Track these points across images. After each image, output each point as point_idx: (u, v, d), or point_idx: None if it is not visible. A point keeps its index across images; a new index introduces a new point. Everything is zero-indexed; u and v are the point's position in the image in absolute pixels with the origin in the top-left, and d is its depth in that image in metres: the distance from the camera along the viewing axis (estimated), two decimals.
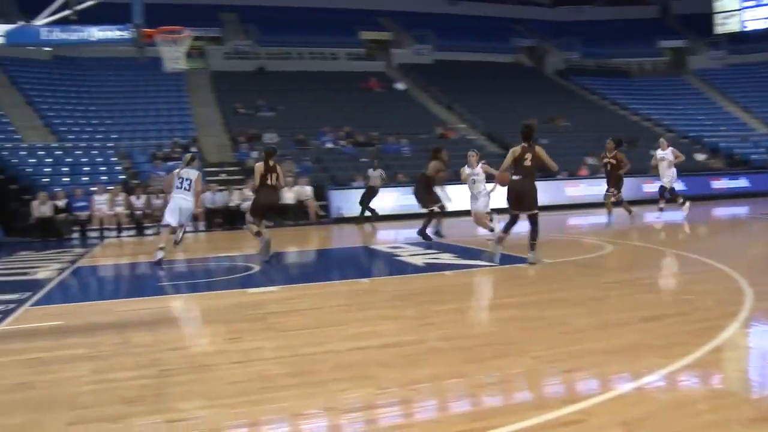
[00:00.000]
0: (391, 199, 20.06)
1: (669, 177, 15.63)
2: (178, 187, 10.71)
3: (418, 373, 4.47)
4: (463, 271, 9.15)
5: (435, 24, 39.24)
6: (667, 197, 15.62)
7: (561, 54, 40.14)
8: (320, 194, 20.33)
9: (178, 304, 7.75)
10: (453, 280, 8.44)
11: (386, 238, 15.28)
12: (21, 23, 9.46)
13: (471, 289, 7.98)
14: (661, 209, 15.55)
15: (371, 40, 38.40)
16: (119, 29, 9.37)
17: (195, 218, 16.09)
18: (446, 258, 10.42)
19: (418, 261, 10.14)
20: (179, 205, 10.67)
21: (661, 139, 16.93)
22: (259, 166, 10.59)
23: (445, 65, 36.08)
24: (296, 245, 13.87)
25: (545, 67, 39.53)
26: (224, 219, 19.13)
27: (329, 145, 24.66)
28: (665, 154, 15.73)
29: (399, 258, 10.69)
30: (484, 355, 4.82)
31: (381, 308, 6.70)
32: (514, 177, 9.42)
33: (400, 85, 33.25)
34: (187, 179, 10.71)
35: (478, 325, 5.76)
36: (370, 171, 19.73)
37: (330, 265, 10.46)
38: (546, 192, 20.04)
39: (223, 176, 21.73)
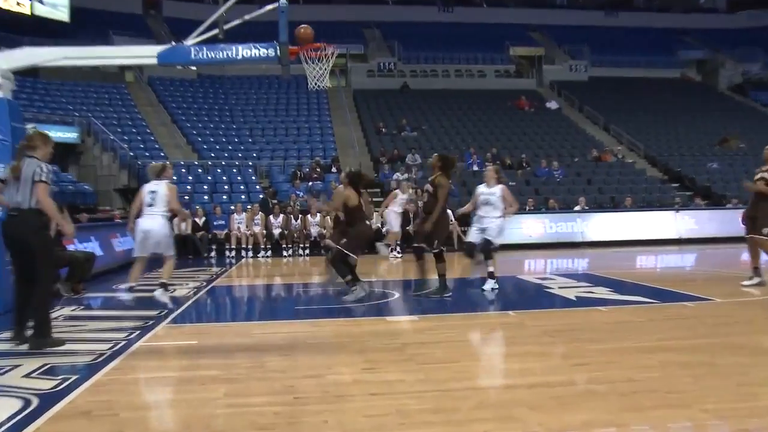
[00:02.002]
0: (540, 227, 19.72)
1: None
2: (148, 205, 9.30)
3: (570, 419, 4.29)
4: (619, 308, 8.79)
5: (591, 37, 38.45)
6: None
7: (738, 66, 38.00)
8: (465, 219, 20.19)
9: (313, 329, 7.91)
10: (609, 316, 8.11)
11: (536, 268, 14.99)
12: (172, 44, 10.15)
13: (629, 327, 7.63)
14: None
15: (521, 56, 38.12)
16: (264, 47, 9.83)
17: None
18: (601, 292, 10.05)
19: (570, 294, 9.85)
20: (144, 228, 9.27)
21: None
22: (351, 194, 9.40)
23: (601, 82, 35.18)
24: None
25: (718, 82, 37.60)
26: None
27: (475, 168, 24.60)
28: None
29: (549, 290, 10.44)
30: (645, 404, 4.56)
31: (529, 344, 6.53)
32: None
33: (552, 104, 32.73)
34: (151, 193, 9.31)
35: (638, 369, 5.47)
36: None
37: (473, 295, 10.35)
38: (721, 223, 19.17)
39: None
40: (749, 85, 36.22)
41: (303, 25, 9.65)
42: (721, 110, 33.28)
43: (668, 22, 42.55)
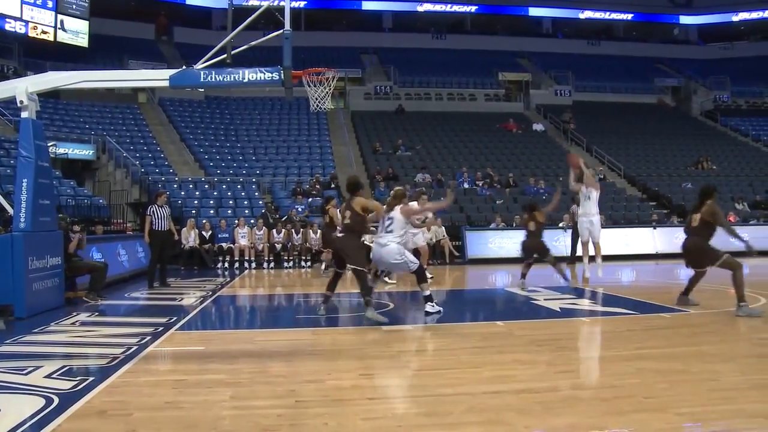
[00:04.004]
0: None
1: None
2: None
3: (555, 422, 4.33)
4: (601, 318, 8.83)
5: (575, 64, 38.79)
6: None
7: (709, 93, 38.34)
8: (455, 234, 20.29)
9: (313, 337, 7.93)
10: (591, 326, 8.15)
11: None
12: (183, 68, 10.22)
13: (610, 336, 7.66)
14: None
15: (510, 80, 38.33)
16: (269, 71, 9.90)
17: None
18: (584, 304, 10.09)
19: (555, 305, 9.88)
20: None
21: None
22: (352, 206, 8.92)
23: (584, 106, 35.37)
24: (432, 285, 13.89)
25: (691, 108, 37.90)
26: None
27: (466, 186, 24.68)
28: None
29: (535, 302, 10.47)
30: (625, 408, 4.58)
31: (516, 352, 6.56)
32: (339, 234, 9.32)
33: (538, 127, 32.88)
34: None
35: (618, 376, 5.50)
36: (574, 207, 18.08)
37: (464, 307, 10.38)
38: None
39: None
40: (719, 112, 36.45)
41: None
42: (694, 134, 33.51)
43: (646, 51, 42.96)
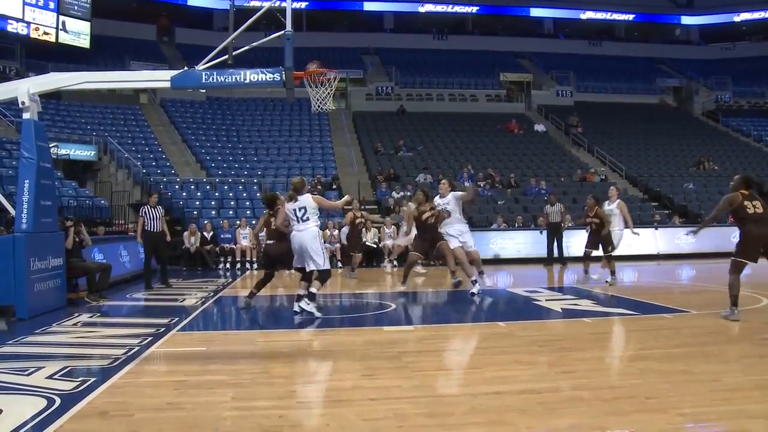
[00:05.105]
0: (529, 242, 19.77)
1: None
2: None
3: (557, 423, 4.33)
4: (602, 319, 8.82)
5: (576, 65, 38.77)
6: None
7: (711, 94, 38.33)
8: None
9: (314, 338, 7.94)
10: (592, 327, 8.13)
11: (523, 281, 15.00)
12: (185, 69, 10.22)
13: (612, 337, 7.66)
14: None
15: (511, 81, 38.31)
16: (270, 72, 9.90)
17: None
18: (585, 304, 10.08)
19: (556, 306, 9.87)
20: None
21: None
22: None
23: (586, 107, 35.35)
24: (431, 286, 13.89)
25: (693, 108, 37.88)
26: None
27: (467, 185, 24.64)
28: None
29: (537, 302, 10.46)
30: (626, 408, 4.58)
31: (518, 353, 6.55)
32: (269, 241, 9.52)
33: (540, 127, 32.87)
34: None
35: (620, 376, 5.51)
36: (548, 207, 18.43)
37: (466, 307, 10.36)
38: (697, 240, 19.18)
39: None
40: (721, 112, 36.42)
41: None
42: (696, 134, 33.48)
43: (647, 51, 42.94)
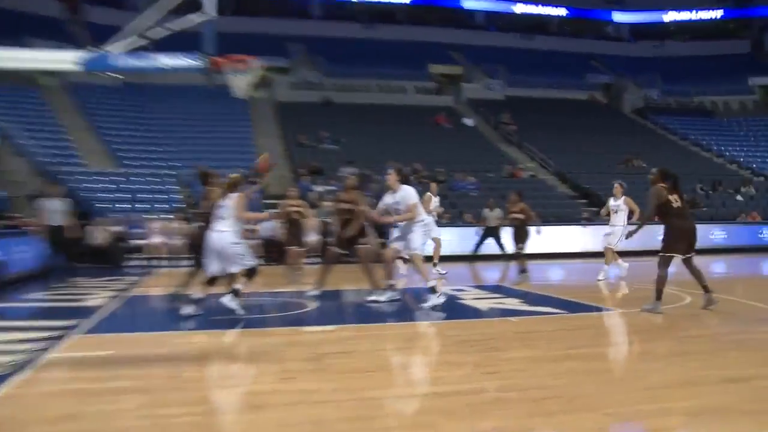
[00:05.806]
0: (455, 240, 19.93)
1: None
2: None
3: (481, 425, 4.35)
4: (529, 318, 8.96)
5: (508, 59, 39.40)
6: None
7: (639, 91, 39.67)
8: (379, 231, 20.20)
9: (229, 339, 7.78)
10: (519, 326, 8.26)
11: (449, 279, 15.10)
12: (97, 50, 9.84)
13: (538, 336, 7.78)
14: None
15: (441, 74, 38.65)
16: (189, 57, 9.64)
17: None
18: (512, 303, 10.22)
19: (483, 305, 9.99)
20: None
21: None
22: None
23: (516, 101, 35.98)
24: (352, 283, 13.82)
25: (622, 105, 39.12)
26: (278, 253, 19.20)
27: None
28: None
29: (462, 301, 10.55)
30: (552, 409, 4.65)
31: (443, 353, 6.59)
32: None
33: (468, 121, 33.25)
34: None
35: (546, 376, 5.59)
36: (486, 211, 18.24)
37: (389, 306, 10.33)
38: (641, 237, 19.70)
39: None
40: (649, 110, 37.74)
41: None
42: (624, 132, 34.50)
43: (579, 47, 44.06)
